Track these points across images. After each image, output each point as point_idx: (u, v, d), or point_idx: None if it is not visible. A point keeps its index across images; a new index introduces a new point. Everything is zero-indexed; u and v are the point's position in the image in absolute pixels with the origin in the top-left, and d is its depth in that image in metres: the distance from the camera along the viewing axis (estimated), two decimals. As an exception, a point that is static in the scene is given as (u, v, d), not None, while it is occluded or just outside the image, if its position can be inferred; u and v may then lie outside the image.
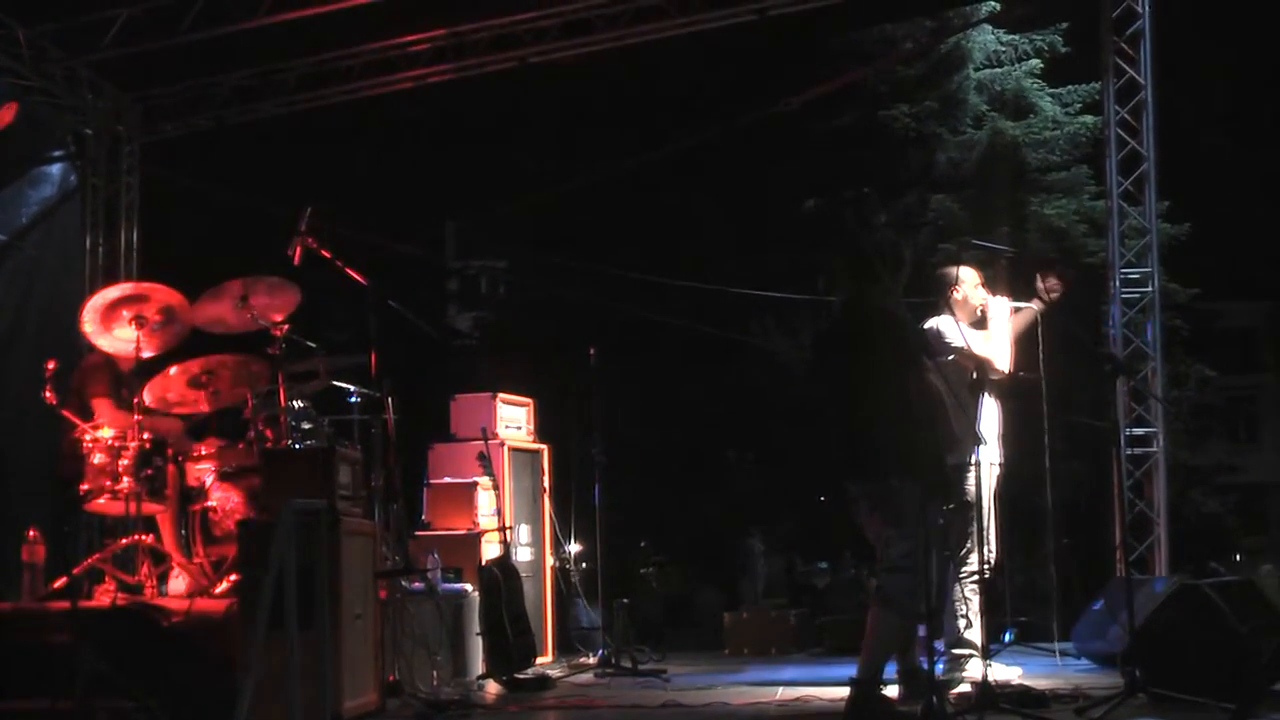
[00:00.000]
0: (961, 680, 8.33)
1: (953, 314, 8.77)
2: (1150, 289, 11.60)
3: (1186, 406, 19.38)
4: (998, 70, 19.56)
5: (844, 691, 7.39)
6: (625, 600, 10.88)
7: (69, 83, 12.41)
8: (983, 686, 7.15)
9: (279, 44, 12.18)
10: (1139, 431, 11.46)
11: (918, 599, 7.23)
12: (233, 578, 8.27)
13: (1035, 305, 9.02)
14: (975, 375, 8.49)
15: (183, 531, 9.03)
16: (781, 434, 20.78)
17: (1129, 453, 11.25)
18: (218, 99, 13.20)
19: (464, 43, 12.61)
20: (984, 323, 8.95)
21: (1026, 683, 8.25)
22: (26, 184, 12.05)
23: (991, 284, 9.12)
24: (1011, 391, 9.09)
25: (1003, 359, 8.86)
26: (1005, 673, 8.53)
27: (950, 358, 8.60)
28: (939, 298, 8.91)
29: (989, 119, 19.31)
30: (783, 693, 8.59)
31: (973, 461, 8.25)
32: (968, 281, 9.00)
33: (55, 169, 12.49)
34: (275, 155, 16.52)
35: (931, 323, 8.84)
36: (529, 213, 16.48)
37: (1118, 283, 11.53)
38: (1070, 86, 19.03)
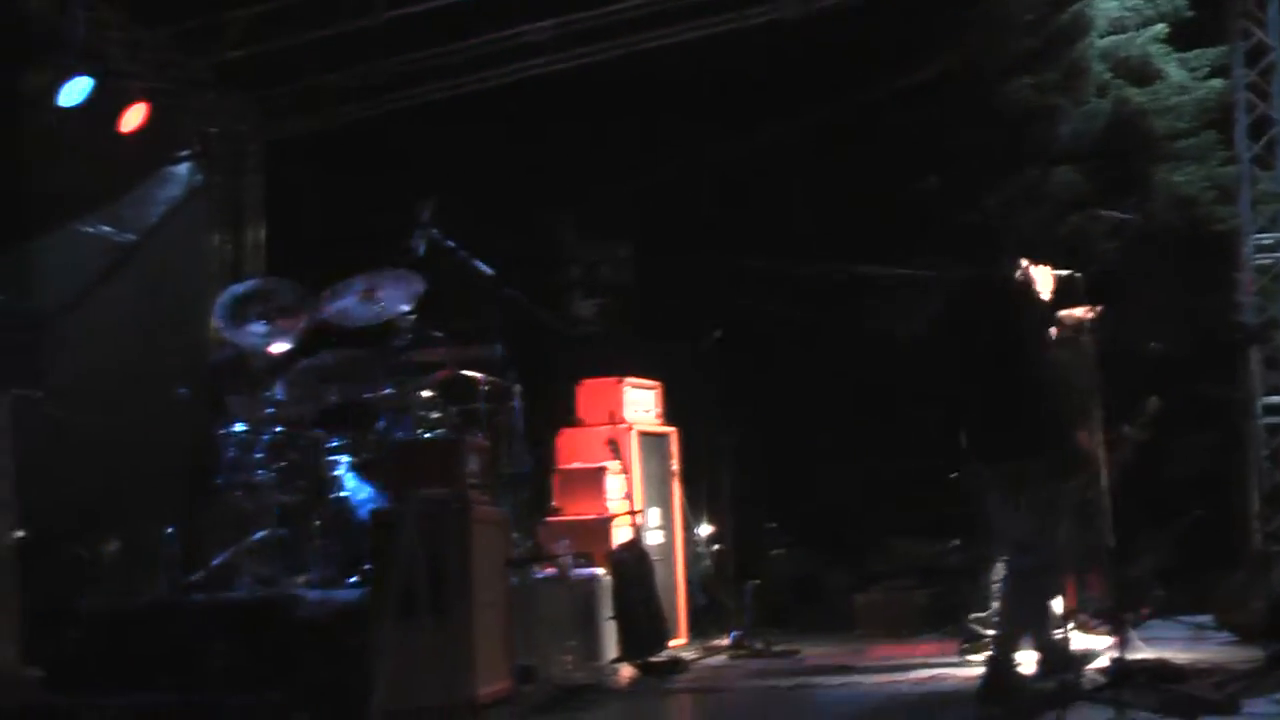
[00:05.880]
0: (1096, 655, 8.21)
1: None
2: (1282, 255, 11.38)
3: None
4: (1121, 37, 19.22)
5: (978, 670, 7.36)
6: (756, 582, 10.86)
7: (192, 85, 12.57)
8: (1120, 661, 7.05)
9: (397, 38, 12.24)
10: (1275, 400, 11.22)
11: (1050, 576, 7.18)
12: (366, 567, 8.36)
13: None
14: None
15: (317, 522, 9.14)
16: (907, 415, 20.63)
17: (1265, 422, 11.02)
18: (336, 95, 13.30)
19: (582, 29, 12.60)
20: None
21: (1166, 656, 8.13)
22: (154, 184, 12.25)
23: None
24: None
25: None
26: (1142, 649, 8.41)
27: None
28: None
29: (1113, 87, 18.99)
30: (916, 671, 8.55)
31: None
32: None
33: (181, 169, 12.67)
34: (397, 149, 16.64)
35: None
36: (650, 198, 16.45)
37: (1249, 249, 11.31)
38: (1197, 50, 18.65)
